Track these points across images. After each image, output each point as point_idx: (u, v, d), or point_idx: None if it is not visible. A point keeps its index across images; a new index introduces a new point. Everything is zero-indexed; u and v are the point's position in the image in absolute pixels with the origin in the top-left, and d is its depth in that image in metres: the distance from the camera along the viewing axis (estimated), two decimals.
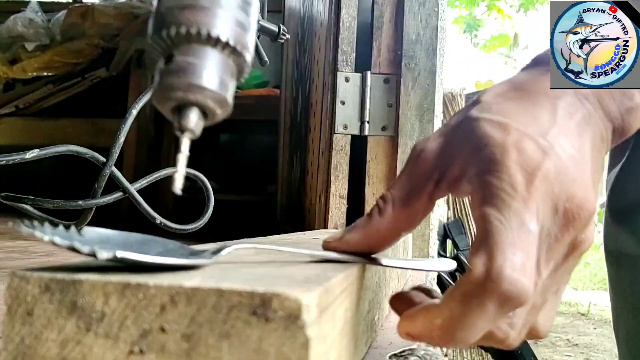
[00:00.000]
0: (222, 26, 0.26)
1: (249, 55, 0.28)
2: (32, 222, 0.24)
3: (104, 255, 0.23)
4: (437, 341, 0.28)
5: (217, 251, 0.29)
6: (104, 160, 0.45)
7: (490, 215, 0.27)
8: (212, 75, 0.26)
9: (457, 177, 0.32)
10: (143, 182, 0.47)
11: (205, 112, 0.27)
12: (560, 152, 0.29)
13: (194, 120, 0.26)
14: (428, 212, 0.33)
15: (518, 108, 0.31)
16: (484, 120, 0.31)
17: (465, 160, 0.31)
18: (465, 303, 0.26)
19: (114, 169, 0.46)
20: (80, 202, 0.44)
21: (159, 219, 0.48)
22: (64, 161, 2.54)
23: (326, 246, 0.33)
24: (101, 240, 0.27)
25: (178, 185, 0.26)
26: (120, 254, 0.23)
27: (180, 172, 0.27)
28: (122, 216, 2.04)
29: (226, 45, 0.26)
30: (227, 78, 0.27)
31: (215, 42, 0.26)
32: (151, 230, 0.42)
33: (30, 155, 0.42)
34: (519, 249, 0.26)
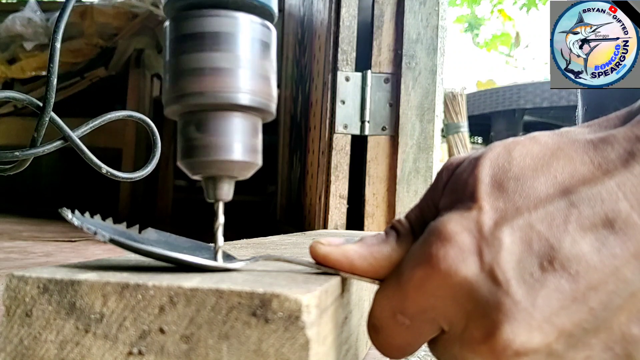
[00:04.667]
0: (247, 88, 0.26)
1: (274, 104, 0.27)
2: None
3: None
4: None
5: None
6: (41, 104, 0.43)
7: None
8: (240, 145, 0.26)
9: None
10: (86, 129, 0.46)
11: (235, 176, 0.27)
12: None
13: (225, 190, 0.27)
14: None
15: None
16: None
17: None
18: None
19: (54, 114, 0.42)
20: (17, 153, 0.41)
21: (104, 168, 0.47)
22: (61, 162, 2.53)
23: (318, 250, 0.27)
24: (158, 241, 0.28)
25: (219, 255, 0.27)
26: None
27: (219, 242, 0.27)
28: (121, 213, 2.03)
29: (252, 108, 0.26)
30: (255, 137, 0.27)
31: (241, 108, 0.26)
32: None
33: None
34: None
